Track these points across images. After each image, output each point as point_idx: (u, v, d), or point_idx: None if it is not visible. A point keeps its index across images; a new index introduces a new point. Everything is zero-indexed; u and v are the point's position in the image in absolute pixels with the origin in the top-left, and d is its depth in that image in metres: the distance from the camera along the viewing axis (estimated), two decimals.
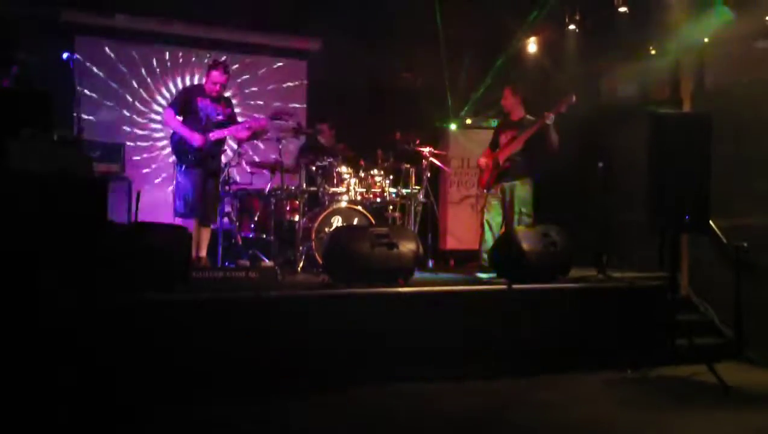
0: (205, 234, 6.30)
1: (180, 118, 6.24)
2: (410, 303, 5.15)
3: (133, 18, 8.42)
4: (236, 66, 8.90)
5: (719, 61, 6.89)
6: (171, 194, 6.45)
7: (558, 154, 6.61)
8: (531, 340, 5.30)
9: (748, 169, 6.20)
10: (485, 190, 6.81)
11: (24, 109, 4.89)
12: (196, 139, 6.08)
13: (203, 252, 6.25)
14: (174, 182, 6.36)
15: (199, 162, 6.14)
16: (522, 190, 6.57)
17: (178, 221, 6.09)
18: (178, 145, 6.20)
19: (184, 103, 6.25)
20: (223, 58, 6.70)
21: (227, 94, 6.50)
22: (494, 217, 6.67)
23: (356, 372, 4.81)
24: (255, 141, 6.64)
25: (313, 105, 9.18)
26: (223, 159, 6.62)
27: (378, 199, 6.96)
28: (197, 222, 6.15)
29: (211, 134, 6.14)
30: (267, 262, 6.35)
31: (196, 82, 8.69)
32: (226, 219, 6.70)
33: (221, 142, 6.29)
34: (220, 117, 6.23)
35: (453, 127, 8.86)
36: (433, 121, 8.87)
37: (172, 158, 6.39)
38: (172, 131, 6.33)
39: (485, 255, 6.54)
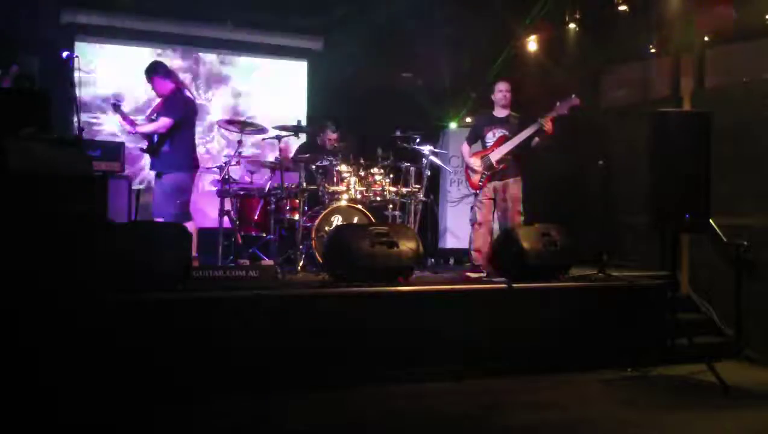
0: None
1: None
2: (410, 302, 5.15)
3: (133, 18, 8.43)
4: (237, 65, 8.94)
5: (719, 61, 6.90)
6: None
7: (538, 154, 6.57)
8: (531, 339, 5.30)
9: (748, 168, 6.20)
10: (477, 191, 6.68)
11: (24, 109, 4.88)
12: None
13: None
14: None
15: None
16: (515, 188, 6.52)
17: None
18: None
19: None
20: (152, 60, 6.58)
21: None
22: (485, 217, 6.58)
23: (356, 371, 4.80)
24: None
25: (313, 105, 9.18)
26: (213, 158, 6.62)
27: (378, 198, 6.95)
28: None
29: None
30: (267, 261, 6.35)
31: (197, 81, 8.78)
32: (226, 218, 6.70)
33: (150, 144, 6.21)
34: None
35: (453, 125, 8.86)
36: (433, 121, 8.86)
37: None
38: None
39: (474, 255, 6.51)
